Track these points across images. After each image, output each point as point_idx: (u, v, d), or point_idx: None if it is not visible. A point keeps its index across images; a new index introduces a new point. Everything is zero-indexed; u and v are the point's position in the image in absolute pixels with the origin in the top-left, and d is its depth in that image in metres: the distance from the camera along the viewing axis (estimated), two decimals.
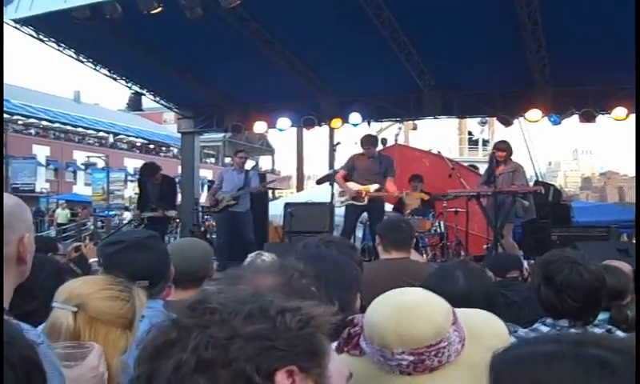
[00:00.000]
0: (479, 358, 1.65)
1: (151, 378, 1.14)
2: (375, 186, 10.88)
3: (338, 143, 12.36)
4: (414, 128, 28.59)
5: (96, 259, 5.98)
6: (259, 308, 1.18)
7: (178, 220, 16.70)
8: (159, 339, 1.17)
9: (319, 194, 15.10)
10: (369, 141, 11.45)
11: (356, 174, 11.13)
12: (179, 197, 15.42)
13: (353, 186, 10.99)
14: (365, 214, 11.36)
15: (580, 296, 3.14)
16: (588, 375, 1.07)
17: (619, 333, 3.17)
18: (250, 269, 2.39)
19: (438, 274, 3.01)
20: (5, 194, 2.05)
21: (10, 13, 9.48)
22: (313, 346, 1.19)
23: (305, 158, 29.01)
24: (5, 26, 10.05)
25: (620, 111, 13.39)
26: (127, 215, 14.64)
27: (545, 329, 3.20)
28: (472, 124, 49.79)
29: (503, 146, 10.99)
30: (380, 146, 12.74)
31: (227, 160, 48.83)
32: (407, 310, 1.71)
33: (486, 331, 1.83)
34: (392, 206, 13.43)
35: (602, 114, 13.82)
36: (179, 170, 18.48)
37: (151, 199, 12.46)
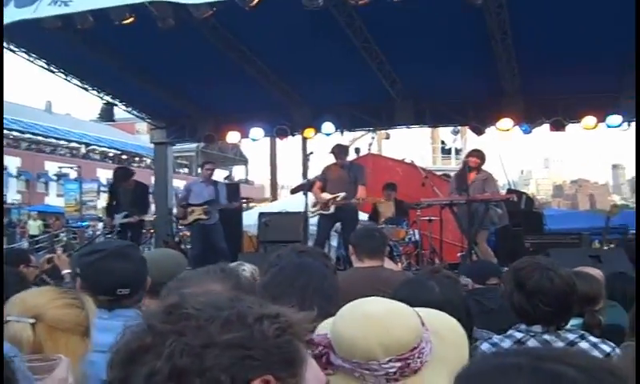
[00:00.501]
0: (445, 353, 1.78)
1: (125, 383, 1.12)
2: (342, 194, 10.92)
3: (311, 153, 12.39)
4: (387, 137, 28.75)
5: (69, 271, 5.97)
6: (237, 314, 1.15)
7: (152, 230, 16.61)
8: (133, 344, 1.14)
9: (293, 203, 15.11)
10: (339, 150, 11.53)
11: (328, 184, 11.20)
12: (153, 207, 15.33)
13: (325, 196, 11.06)
14: (339, 224, 11.43)
15: (551, 301, 3.19)
16: None
17: (592, 338, 3.21)
18: (197, 275, 2.41)
19: (410, 284, 3.01)
20: None
21: None
22: (290, 355, 1.17)
23: (278, 168, 29.01)
24: None
25: (589, 120, 13.57)
26: (100, 225, 14.56)
27: (519, 335, 3.24)
28: (445, 133, 50.07)
29: (477, 154, 11.11)
30: (353, 155, 12.81)
31: (200, 170, 48.62)
32: (384, 319, 1.72)
33: (441, 326, 1.88)
34: (367, 214, 13.48)
35: (572, 122, 13.98)
36: (152, 181, 18.36)
37: (123, 205, 12.37)
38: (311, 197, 11.46)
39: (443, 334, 1.83)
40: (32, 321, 2.20)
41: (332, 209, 10.98)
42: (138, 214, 12.28)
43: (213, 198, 12.27)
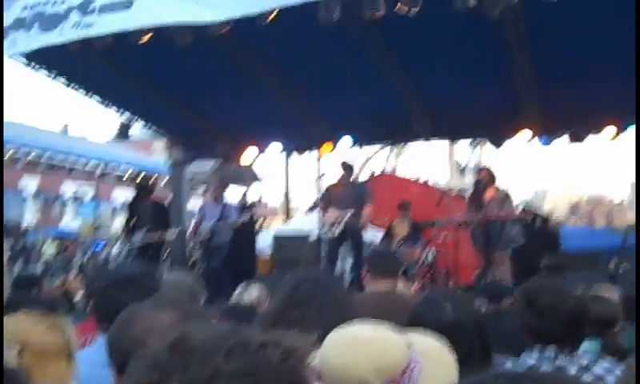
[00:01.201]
0: (434, 372, 1.79)
1: None
2: (350, 212, 10.90)
3: (323, 174, 12.43)
4: (403, 154, 28.70)
5: (82, 294, 5.98)
6: (240, 343, 1.15)
7: (168, 249, 16.61)
8: (141, 380, 1.14)
9: (306, 223, 15.09)
10: (344, 168, 11.51)
11: (332, 204, 11.15)
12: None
13: (329, 216, 11.03)
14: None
15: (562, 319, 3.16)
16: None
17: (606, 363, 3.17)
18: (144, 307, 2.40)
19: (425, 303, 2.99)
20: None
21: (7, 48, 9.50)
22: (294, 381, 1.16)
23: (291, 188, 28.99)
24: None
25: (609, 130, 13.49)
26: (116, 247, 14.51)
27: (531, 361, 3.20)
28: (460, 151, 49.90)
29: (482, 170, 11.07)
30: (366, 176, 12.85)
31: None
32: (374, 342, 1.74)
33: (430, 347, 1.90)
34: (381, 234, 13.46)
35: (592, 133, 13.91)
36: (168, 200, 18.40)
37: (142, 223, 12.32)
38: (321, 219, 11.48)
39: (431, 355, 1.84)
40: (17, 349, 2.19)
41: (342, 225, 10.92)
42: (160, 233, 12.26)
43: (219, 217, 12.26)
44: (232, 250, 12.38)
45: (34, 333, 2.25)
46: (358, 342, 1.73)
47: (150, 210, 12.39)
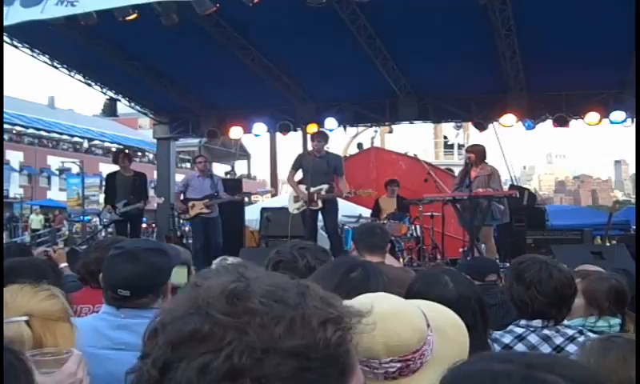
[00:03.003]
0: (447, 352, 1.77)
1: (168, 367, 1.03)
2: (325, 187, 10.82)
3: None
4: (390, 131, 28.74)
5: (66, 264, 5.99)
6: (301, 316, 1.07)
7: (154, 224, 16.62)
8: (185, 327, 1.04)
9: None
10: (319, 135, 11.38)
11: (305, 174, 11.00)
12: (155, 203, 15.35)
13: (302, 188, 10.91)
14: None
15: (549, 292, 3.22)
16: None
17: (590, 334, 3.23)
18: (217, 273, 2.41)
19: (425, 278, 2.99)
20: None
21: None
22: (344, 367, 1.09)
23: (279, 163, 29.03)
24: None
25: (593, 116, 13.58)
26: (100, 218, 14.60)
27: (519, 330, 3.27)
28: (447, 128, 50.11)
29: (471, 149, 11.08)
30: (356, 150, 12.79)
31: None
32: (390, 319, 1.72)
33: (445, 324, 1.88)
34: (369, 210, 13.51)
35: (576, 118, 14.00)
36: (155, 176, 18.40)
37: (122, 194, 12.26)
38: (291, 192, 11.37)
39: (447, 332, 1.84)
40: (25, 318, 2.21)
41: (320, 203, 10.82)
42: (142, 203, 12.22)
43: (214, 191, 12.26)
44: (223, 222, 12.39)
45: (36, 301, 2.28)
46: (374, 315, 1.72)
47: (129, 183, 12.32)
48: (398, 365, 1.71)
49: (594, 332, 3.36)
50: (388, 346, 1.69)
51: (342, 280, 2.44)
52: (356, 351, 1.12)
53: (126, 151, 13.44)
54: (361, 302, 1.80)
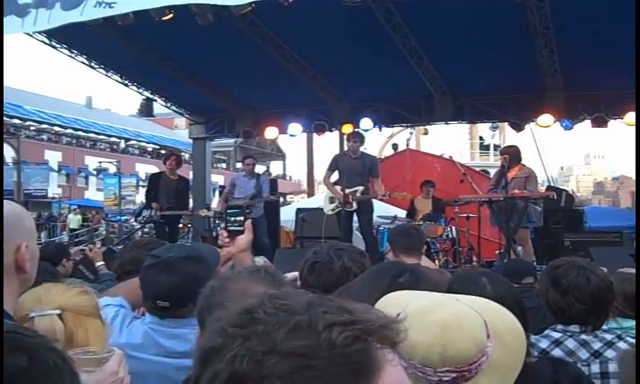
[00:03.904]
0: (502, 359, 1.74)
1: (197, 382, 1.12)
2: (361, 189, 10.79)
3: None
4: (425, 133, 28.51)
5: (102, 263, 6.06)
6: (307, 321, 1.09)
7: (189, 225, 16.70)
8: (207, 344, 1.13)
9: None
10: (355, 136, 11.37)
11: (341, 175, 11.00)
12: (191, 202, 15.43)
13: (338, 189, 10.91)
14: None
15: (586, 299, 3.15)
16: None
17: (629, 339, 3.17)
18: (240, 275, 2.39)
19: (462, 280, 2.95)
20: (3, 202, 2.06)
21: (28, 25, 9.49)
22: (357, 366, 1.07)
23: (315, 164, 28.98)
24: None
25: (632, 116, 13.34)
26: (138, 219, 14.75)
27: (556, 335, 3.20)
28: (483, 129, 49.68)
29: (506, 150, 10.99)
30: (391, 151, 12.73)
31: (239, 165, 48.90)
32: (451, 329, 1.69)
33: (503, 328, 1.83)
34: (404, 211, 13.45)
35: (614, 118, 13.80)
36: (190, 176, 18.51)
37: (163, 197, 12.34)
38: (327, 193, 11.37)
39: (504, 338, 1.79)
40: (58, 311, 2.23)
41: (355, 205, 10.81)
42: (179, 210, 12.35)
43: (256, 191, 12.32)
44: None
45: (66, 296, 2.30)
46: (430, 322, 1.68)
47: (172, 186, 12.39)
48: (453, 375, 1.67)
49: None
50: (445, 357, 1.66)
51: (390, 285, 2.42)
52: (387, 350, 1.11)
53: (176, 154, 13.51)
54: (422, 309, 1.77)
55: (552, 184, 24.41)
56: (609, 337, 3.14)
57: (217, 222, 14.97)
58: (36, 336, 1.21)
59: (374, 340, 1.10)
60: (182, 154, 53.34)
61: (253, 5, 9.06)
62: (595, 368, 3.04)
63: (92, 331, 2.27)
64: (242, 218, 3.55)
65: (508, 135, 32.22)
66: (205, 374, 1.10)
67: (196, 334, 2.32)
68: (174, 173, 12.53)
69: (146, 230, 13.78)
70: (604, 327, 3.24)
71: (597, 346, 3.09)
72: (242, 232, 3.51)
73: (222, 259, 3.45)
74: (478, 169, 23.74)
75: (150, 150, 57.51)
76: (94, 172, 49.42)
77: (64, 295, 2.31)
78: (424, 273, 2.73)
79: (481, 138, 55.41)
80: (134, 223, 24.08)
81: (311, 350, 1.06)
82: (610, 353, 3.04)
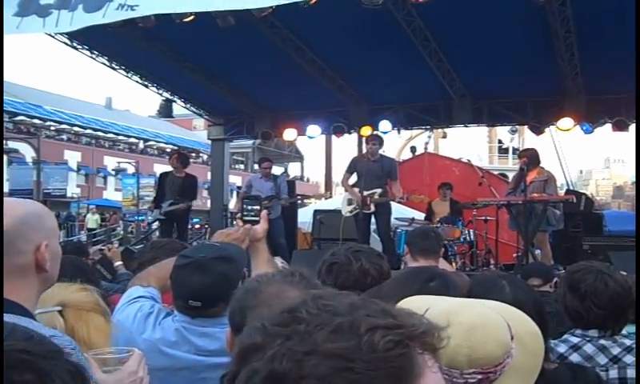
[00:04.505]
0: (523, 363, 1.75)
1: (235, 379, 1.11)
2: (379, 191, 10.80)
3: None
4: (444, 136, 28.54)
5: (120, 262, 6.11)
6: (349, 323, 1.08)
7: (206, 225, 16.76)
8: (246, 341, 1.12)
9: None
10: (374, 138, 11.38)
11: (358, 178, 11.02)
12: (209, 203, 15.49)
13: (357, 191, 10.93)
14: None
15: (605, 303, 3.12)
16: None
17: None
18: (274, 278, 2.39)
19: (481, 283, 2.94)
20: (23, 201, 2.08)
21: (49, 26, 9.56)
22: (398, 371, 1.06)
23: (333, 166, 28.99)
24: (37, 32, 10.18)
25: None
26: (150, 218, 14.88)
27: (575, 340, 3.18)
28: (502, 132, 49.52)
29: (524, 153, 10.96)
30: (409, 154, 12.73)
31: (256, 167, 49.04)
32: (478, 331, 1.70)
33: (522, 331, 1.84)
34: (422, 214, 13.44)
35: (635, 122, 13.68)
36: (209, 177, 18.56)
37: (169, 193, 12.44)
38: (345, 195, 11.36)
39: (524, 341, 1.80)
40: (59, 308, 2.26)
41: (372, 207, 10.82)
42: (184, 202, 12.37)
43: (274, 193, 12.35)
44: None
45: (66, 293, 2.34)
46: (457, 324, 1.67)
47: (178, 183, 12.49)
48: (479, 376, 1.69)
49: None
50: (471, 359, 1.67)
51: (420, 289, 2.42)
52: (429, 356, 1.10)
53: (180, 152, 13.61)
54: (448, 311, 1.77)
55: (571, 188, 24.24)
56: (628, 342, 3.11)
57: (233, 223, 15.00)
58: (48, 355, 1.19)
59: (416, 345, 1.08)
60: (201, 154, 53.65)
61: (273, 7, 9.09)
62: (614, 373, 3.02)
63: (93, 327, 2.30)
64: (258, 208, 3.60)
65: (527, 138, 32.08)
66: (243, 371, 1.09)
67: (226, 333, 2.35)
68: (181, 171, 12.67)
69: (154, 227, 13.89)
70: (623, 332, 3.21)
71: (616, 351, 3.07)
72: (257, 222, 3.57)
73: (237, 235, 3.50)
74: (496, 172, 23.69)
75: (168, 150, 57.65)
76: (113, 172, 49.69)
77: (64, 292, 2.35)
78: (453, 278, 2.74)
79: (500, 141, 55.29)
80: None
81: (352, 352, 1.04)
82: (628, 358, 3.02)
